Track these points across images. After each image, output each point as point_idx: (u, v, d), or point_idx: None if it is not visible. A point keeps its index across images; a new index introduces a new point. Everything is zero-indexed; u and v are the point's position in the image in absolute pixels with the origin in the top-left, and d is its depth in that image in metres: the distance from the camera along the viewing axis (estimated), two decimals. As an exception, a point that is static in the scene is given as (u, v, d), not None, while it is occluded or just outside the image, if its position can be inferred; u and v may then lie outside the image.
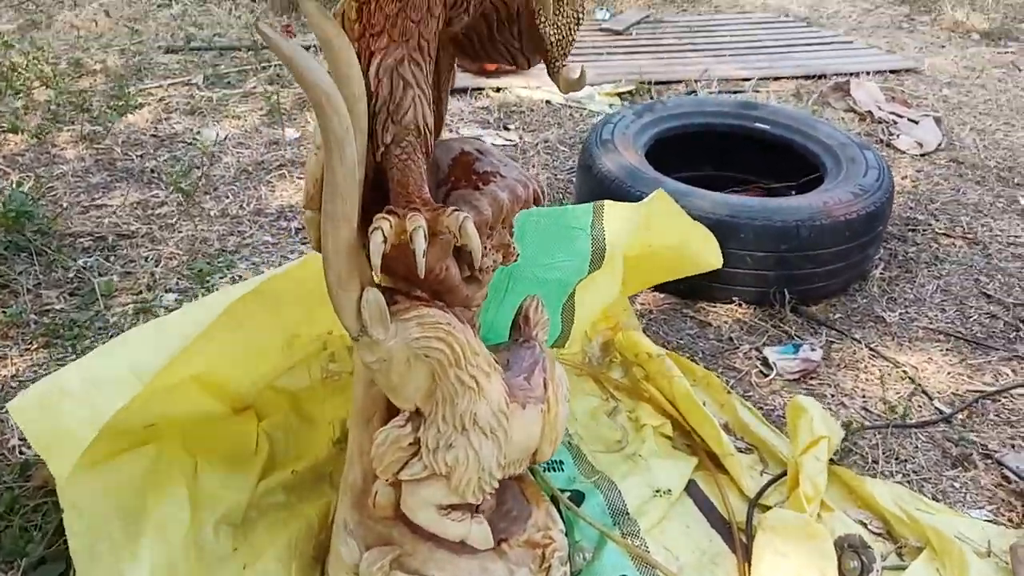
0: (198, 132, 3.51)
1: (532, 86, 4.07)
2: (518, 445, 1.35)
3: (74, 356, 2.12)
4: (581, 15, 1.13)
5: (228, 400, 1.80)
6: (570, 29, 1.13)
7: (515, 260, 1.29)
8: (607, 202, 2.01)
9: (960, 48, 5.22)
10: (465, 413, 1.19)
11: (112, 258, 2.58)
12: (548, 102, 3.95)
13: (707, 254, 2.19)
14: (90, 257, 2.57)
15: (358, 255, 1.03)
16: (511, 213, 1.14)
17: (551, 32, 1.10)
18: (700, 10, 5.95)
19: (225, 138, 3.45)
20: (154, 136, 3.45)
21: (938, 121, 3.85)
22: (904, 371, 2.22)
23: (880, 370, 2.24)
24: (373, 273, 0.98)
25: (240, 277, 2.51)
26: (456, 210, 1.00)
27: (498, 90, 4.03)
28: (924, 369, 2.25)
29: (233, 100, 3.85)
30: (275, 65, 4.24)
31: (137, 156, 3.27)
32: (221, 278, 2.50)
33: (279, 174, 3.18)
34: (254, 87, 4.00)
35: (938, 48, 5.23)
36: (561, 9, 1.10)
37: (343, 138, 0.88)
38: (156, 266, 2.53)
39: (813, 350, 2.25)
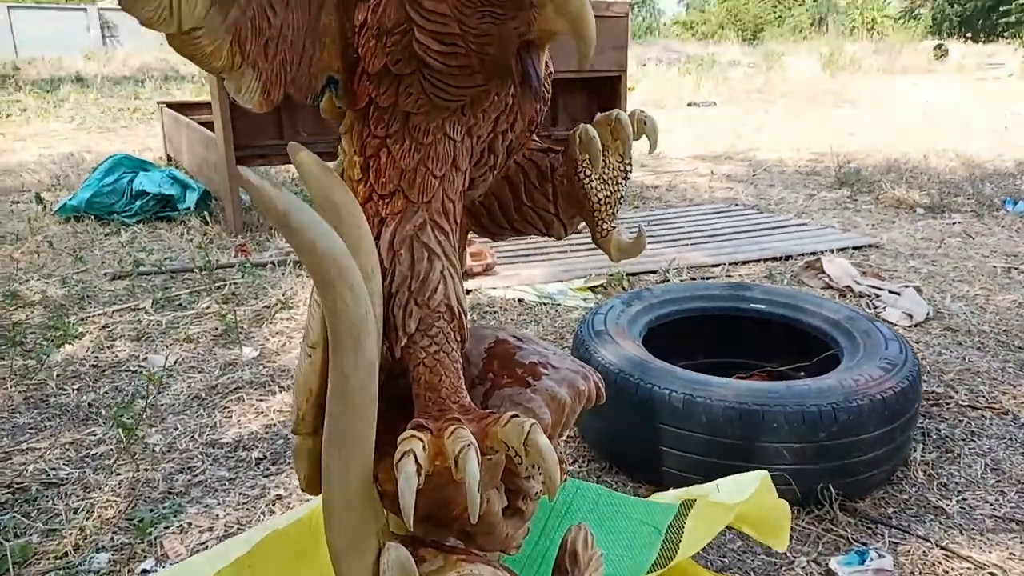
0: (144, 358, 3.19)
1: (503, 286, 3.92)
2: None
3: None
4: (629, 168, 0.91)
5: None
6: (617, 184, 0.91)
7: (565, 480, 0.98)
8: (701, 500, 1.58)
9: (910, 222, 5.35)
10: None
11: (34, 513, 2.15)
12: (521, 300, 3.78)
13: (775, 536, 1.79)
14: (5, 515, 2.13)
15: (372, 498, 0.71)
16: (572, 413, 0.85)
17: (598, 187, 0.88)
18: (651, 207, 6.07)
19: (175, 362, 3.14)
20: (94, 367, 3.11)
21: (919, 291, 3.78)
22: (992, 573, 1.88)
23: (961, 574, 1.89)
24: (405, 522, 0.66)
25: (190, 524, 2.10)
26: (515, 415, 0.71)
27: (468, 292, 3.85)
28: (1012, 569, 1.91)
29: (184, 322, 3.58)
30: (231, 283, 4.03)
31: (74, 390, 2.91)
32: (167, 528, 2.08)
33: (235, 398, 2.84)
34: (207, 307, 3.74)
35: (889, 223, 5.34)
36: (607, 160, 0.89)
37: (361, 325, 0.60)
38: (87, 519, 2.11)
39: (881, 556, 1.90)
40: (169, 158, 7.06)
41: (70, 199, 5.47)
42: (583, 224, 1.00)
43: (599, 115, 0.89)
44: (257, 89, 0.67)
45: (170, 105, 7.22)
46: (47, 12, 23.17)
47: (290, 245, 0.59)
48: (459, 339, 0.77)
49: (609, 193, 0.90)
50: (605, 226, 0.90)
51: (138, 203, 5.35)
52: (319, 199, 0.64)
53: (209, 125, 5.51)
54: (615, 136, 0.88)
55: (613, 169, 0.90)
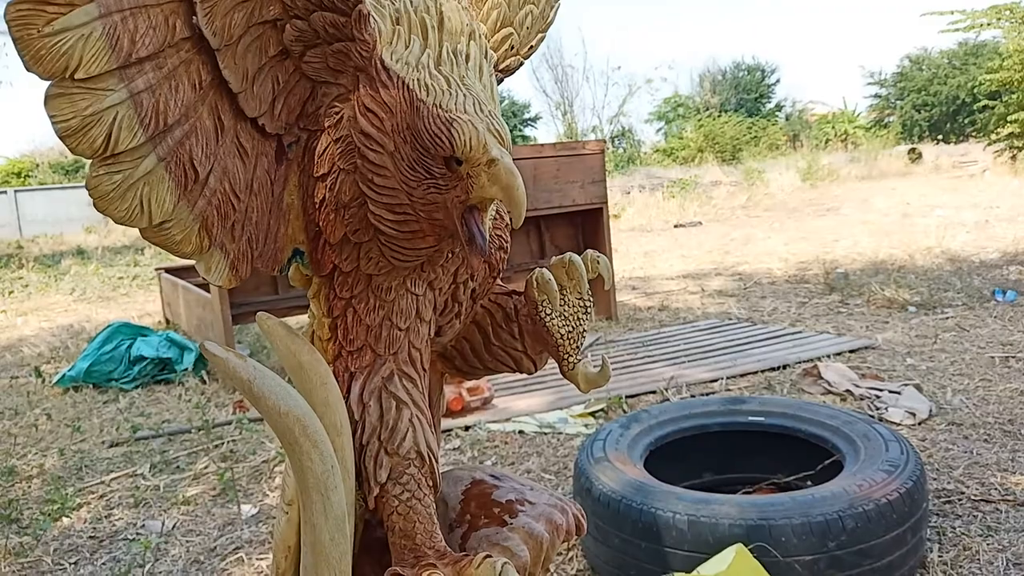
0: (142, 525, 3.14)
1: (502, 419, 3.91)
2: None
3: None
4: (589, 304, 0.96)
5: None
6: (579, 319, 0.96)
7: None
8: None
9: (903, 321, 5.39)
10: None
11: None
12: (522, 432, 3.76)
13: None
14: None
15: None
16: (552, 548, 0.86)
17: (559, 324, 0.93)
18: (645, 327, 6.13)
19: (173, 527, 3.08)
20: (92, 538, 3.05)
21: (918, 388, 3.78)
22: None
23: None
24: None
25: None
26: (487, 556, 0.72)
27: (467, 428, 3.84)
28: (1049, 671, 1.82)
29: (182, 484, 3.54)
30: (228, 441, 4.01)
31: (71, 563, 2.85)
32: None
33: (235, 558, 2.78)
34: (205, 467, 3.71)
35: (883, 324, 5.39)
36: (566, 298, 0.94)
37: (327, 480, 0.63)
38: None
39: (911, 670, 1.82)
40: (168, 321, 7.18)
41: (69, 370, 5.52)
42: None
43: (554, 258, 0.95)
44: (225, 268, 0.72)
45: (168, 271, 7.41)
46: (50, 192, 24.17)
47: (256, 410, 0.63)
48: (431, 484, 0.79)
49: (571, 328, 0.94)
50: (571, 359, 0.94)
51: (136, 368, 5.39)
52: (286, 362, 0.69)
53: (205, 286, 5.65)
54: (570, 276, 0.93)
55: (573, 306, 0.95)
